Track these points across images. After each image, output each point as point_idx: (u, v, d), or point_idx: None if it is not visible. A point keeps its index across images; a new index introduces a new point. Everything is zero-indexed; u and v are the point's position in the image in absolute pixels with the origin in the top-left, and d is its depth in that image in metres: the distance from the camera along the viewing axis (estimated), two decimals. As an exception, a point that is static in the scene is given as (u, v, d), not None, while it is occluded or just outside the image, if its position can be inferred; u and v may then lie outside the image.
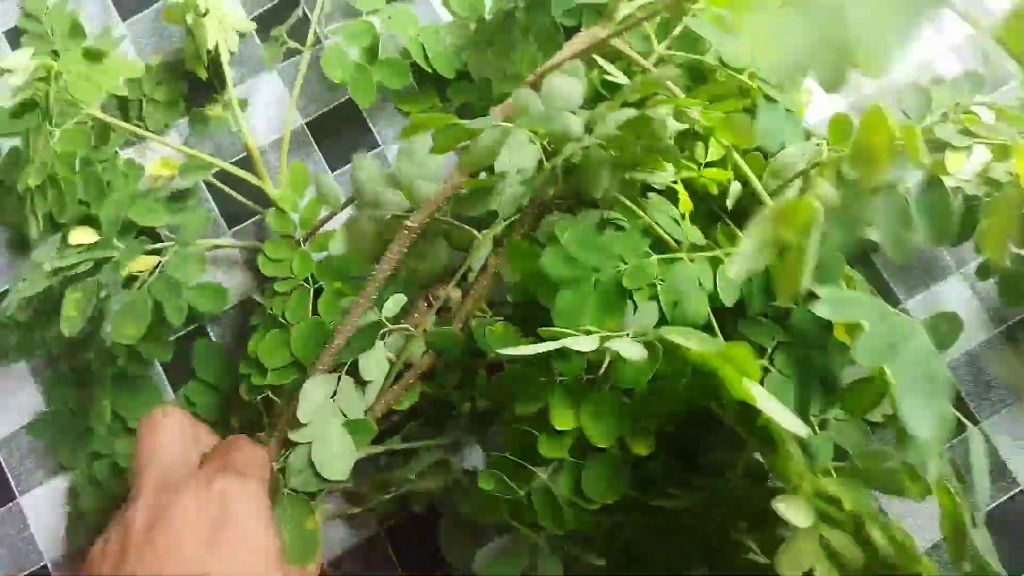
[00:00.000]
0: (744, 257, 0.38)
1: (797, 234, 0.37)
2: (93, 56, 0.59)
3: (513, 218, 0.50)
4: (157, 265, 0.56)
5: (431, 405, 0.55)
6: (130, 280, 0.56)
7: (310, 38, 0.65)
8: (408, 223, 0.49)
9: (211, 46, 0.61)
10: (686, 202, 0.46)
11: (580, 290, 0.44)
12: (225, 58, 0.62)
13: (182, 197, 0.62)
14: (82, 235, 0.58)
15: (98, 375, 0.60)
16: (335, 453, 0.48)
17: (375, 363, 0.50)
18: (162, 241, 0.58)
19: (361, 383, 0.50)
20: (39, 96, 0.56)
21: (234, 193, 0.62)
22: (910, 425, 0.37)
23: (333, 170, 0.65)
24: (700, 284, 0.44)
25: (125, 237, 0.58)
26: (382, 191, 0.53)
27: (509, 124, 0.44)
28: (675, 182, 0.47)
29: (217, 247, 0.63)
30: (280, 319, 0.56)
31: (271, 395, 0.55)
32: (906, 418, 0.37)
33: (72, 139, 0.58)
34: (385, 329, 0.51)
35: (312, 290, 0.57)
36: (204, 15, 0.59)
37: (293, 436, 0.48)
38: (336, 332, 0.50)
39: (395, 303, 0.51)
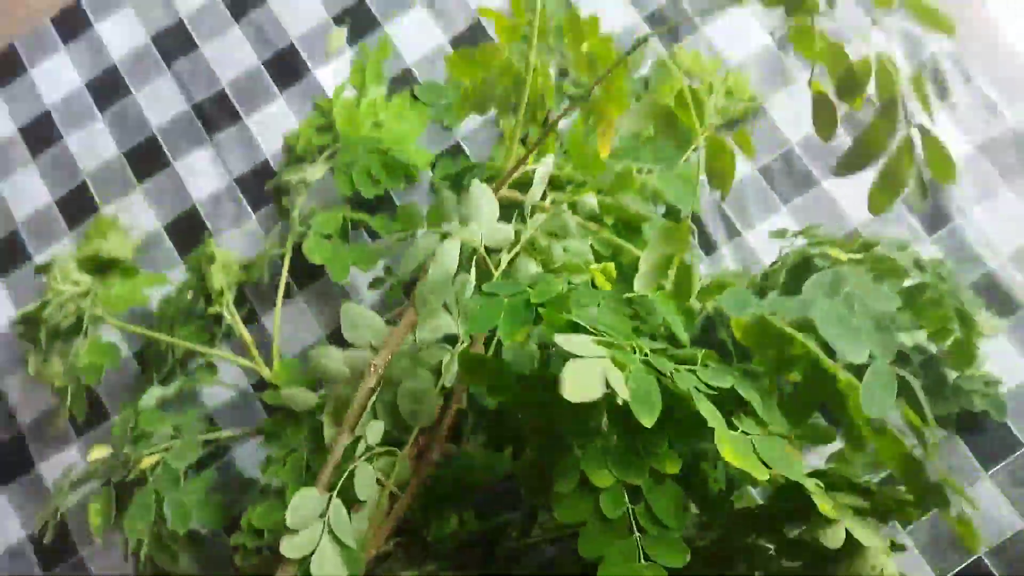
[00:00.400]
0: (645, 272, 0.45)
1: (679, 248, 0.45)
2: (126, 272, 0.72)
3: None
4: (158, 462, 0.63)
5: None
6: (141, 479, 0.62)
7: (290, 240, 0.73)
8: (373, 361, 0.54)
9: (218, 286, 0.71)
10: (604, 284, 0.51)
11: (491, 303, 0.45)
12: (227, 296, 0.72)
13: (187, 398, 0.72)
14: (99, 452, 0.65)
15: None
16: (331, 567, 0.50)
17: (363, 483, 0.52)
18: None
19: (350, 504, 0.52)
20: (80, 310, 0.67)
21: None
22: (840, 350, 0.43)
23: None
24: (611, 304, 0.47)
25: (138, 443, 0.64)
26: (349, 363, 0.58)
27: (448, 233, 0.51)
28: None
29: (213, 441, 0.68)
30: (275, 485, 0.59)
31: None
32: (834, 345, 0.43)
33: (96, 351, 0.68)
34: (372, 452, 0.53)
35: (306, 454, 0.60)
36: (212, 262, 0.71)
37: (285, 550, 0.49)
38: (324, 468, 0.53)
39: (375, 430, 0.53)
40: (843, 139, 0.72)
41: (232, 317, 0.71)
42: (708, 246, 0.72)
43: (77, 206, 0.81)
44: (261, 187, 0.79)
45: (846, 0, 0.74)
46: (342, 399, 0.56)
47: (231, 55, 0.82)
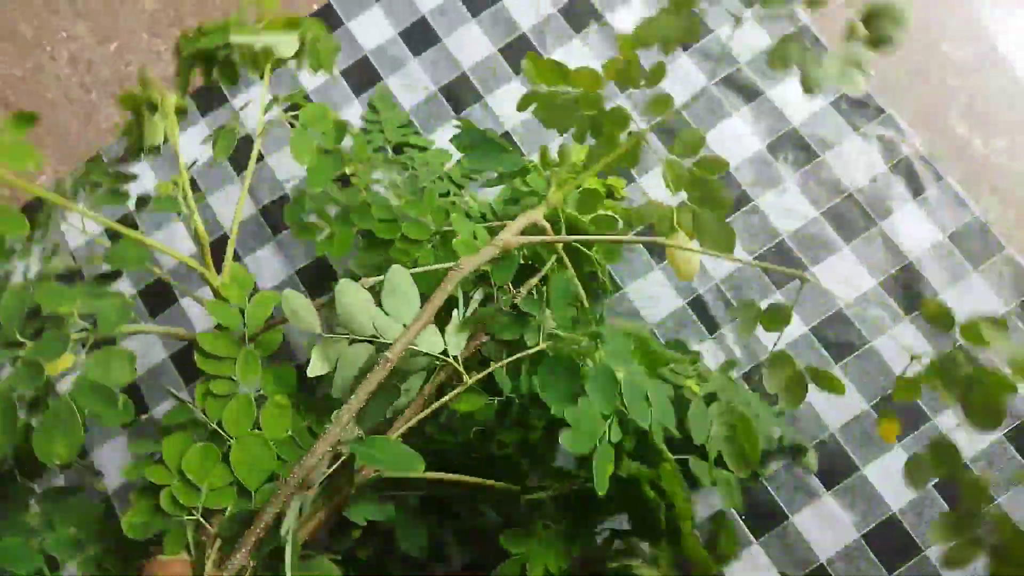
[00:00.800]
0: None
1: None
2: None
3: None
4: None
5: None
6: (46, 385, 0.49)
7: (260, 126, 0.64)
8: (388, 354, 0.50)
9: (159, 141, 0.59)
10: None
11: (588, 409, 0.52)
12: (176, 141, 0.60)
13: (102, 281, 0.57)
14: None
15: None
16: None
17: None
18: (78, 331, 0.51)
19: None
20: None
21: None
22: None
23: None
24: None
25: (30, 329, 0.50)
26: (375, 319, 0.52)
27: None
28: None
29: (137, 333, 0.56)
30: (215, 427, 0.52)
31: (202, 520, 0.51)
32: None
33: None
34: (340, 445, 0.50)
35: (254, 399, 0.52)
36: (155, 111, 0.59)
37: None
38: (300, 464, 0.49)
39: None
40: (826, 229, 0.80)
41: (188, 202, 0.58)
42: (711, 326, 0.79)
43: (159, 296, 0.86)
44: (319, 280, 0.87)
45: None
46: (350, 361, 0.52)
47: (289, 166, 0.91)
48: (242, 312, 0.56)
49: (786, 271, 0.53)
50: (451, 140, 0.61)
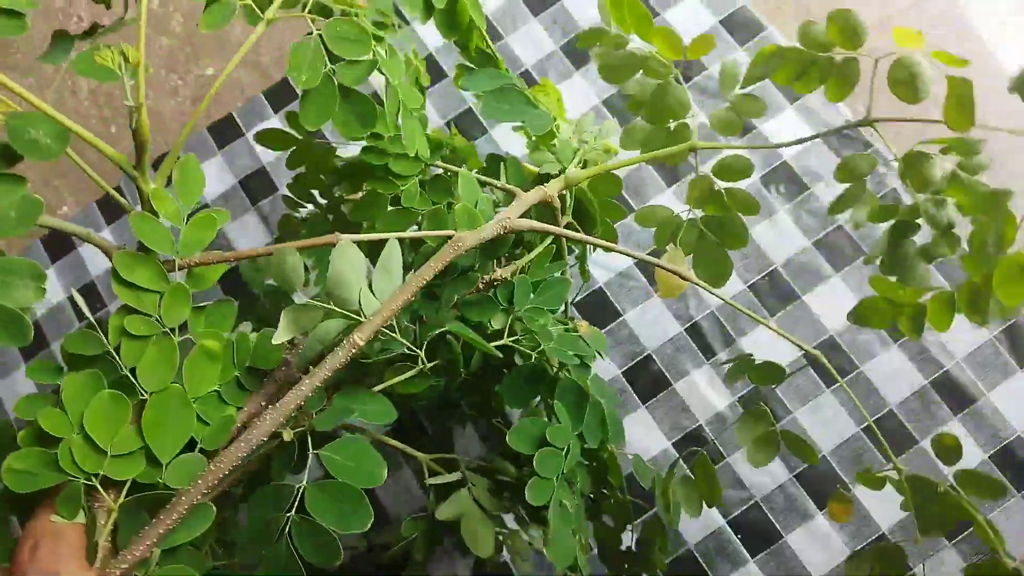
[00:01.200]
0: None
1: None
2: None
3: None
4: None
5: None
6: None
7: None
8: (355, 337, 0.43)
9: None
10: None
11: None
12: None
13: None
14: None
15: None
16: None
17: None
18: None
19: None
20: None
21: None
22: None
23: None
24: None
25: None
26: (362, 294, 0.44)
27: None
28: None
29: (45, 227, 0.43)
30: (125, 373, 0.42)
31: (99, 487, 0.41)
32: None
33: None
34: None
35: (176, 344, 0.42)
36: None
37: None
38: (233, 446, 0.41)
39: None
40: (817, 258, 0.81)
41: (136, 71, 0.43)
42: (707, 351, 0.79)
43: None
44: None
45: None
46: (325, 333, 0.45)
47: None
48: (176, 233, 0.45)
49: (788, 337, 0.52)
50: (458, 82, 0.53)
